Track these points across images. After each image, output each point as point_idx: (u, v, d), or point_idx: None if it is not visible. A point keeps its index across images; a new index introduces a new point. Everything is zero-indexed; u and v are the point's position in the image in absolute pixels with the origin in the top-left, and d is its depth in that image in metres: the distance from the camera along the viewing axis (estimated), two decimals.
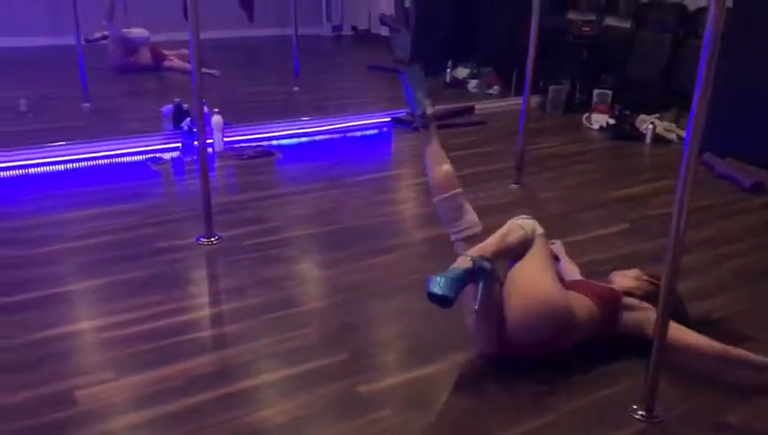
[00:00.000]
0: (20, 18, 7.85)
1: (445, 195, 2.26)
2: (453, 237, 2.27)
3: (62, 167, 4.03)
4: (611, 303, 2.27)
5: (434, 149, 2.32)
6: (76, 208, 3.47)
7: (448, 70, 6.70)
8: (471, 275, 2.02)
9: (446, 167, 2.30)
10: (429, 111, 2.33)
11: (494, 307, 2.11)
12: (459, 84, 6.62)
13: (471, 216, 2.27)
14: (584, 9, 6.26)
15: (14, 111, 5.16)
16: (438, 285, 1.96)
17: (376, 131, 5.07)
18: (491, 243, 2.15)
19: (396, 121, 5.19)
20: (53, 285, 2.68)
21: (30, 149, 4.07)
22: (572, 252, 3.09)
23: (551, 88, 5.83)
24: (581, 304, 2.20)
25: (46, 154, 4.05)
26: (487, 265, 2.05)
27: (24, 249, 2.99)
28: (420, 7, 7.75)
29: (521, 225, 2.23)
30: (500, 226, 2.25)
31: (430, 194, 2.33)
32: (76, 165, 4.07)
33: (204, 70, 6.46)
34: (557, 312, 2.12)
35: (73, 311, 2.54)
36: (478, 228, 2.25)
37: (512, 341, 2.14)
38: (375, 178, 4.16)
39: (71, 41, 5.57)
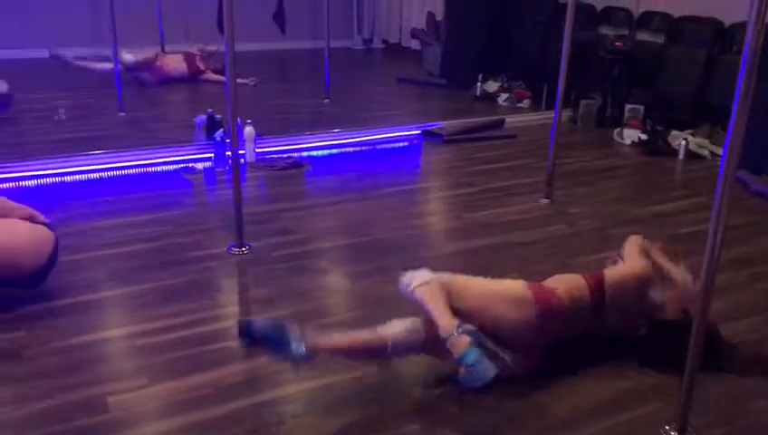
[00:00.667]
0: (62, 28, 8.04)
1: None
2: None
3: (97, 175, 4.11)
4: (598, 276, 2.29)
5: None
6: (111, 216, 3.53)
7: (479, 83, 6.70)
8: (480, 345, 2.00)
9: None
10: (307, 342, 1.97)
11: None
12: (489, 98, 6.61)
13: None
14: (616, 24, 6.23)
15: (53, 119, 5.28)
16: (480, 376, 1.94)
17: (406, 144, 5.08)
18: (440, 313, 2.05)
19: (426, 134, 5.20)
20: (88, 292, 2.73)
21: (66, 157, 4.16)
22: (602, 268, 3.07)
23: (582, 102, 5.80)
24: (566, 281, 2.27)
25: (82, 162, 4.13)
26: (471, 327, 2.04)
27: (60, 256, 3.04)
28: (452, 21, 7.78)
29: (428, 282, 2.14)
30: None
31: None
32: (111, 173, 4.14)
33: (239, 81, 6.58)
34: (513, 292, 2.17)
35: (107, 318, 2.59)
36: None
37: (510, 344, 2.12)
38: (405, 191, 4.17)
39: (107, 51, 5.69)
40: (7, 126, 5.14)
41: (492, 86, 6.74)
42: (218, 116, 4.61)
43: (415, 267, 2.21)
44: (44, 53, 6.74)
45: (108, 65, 5.85)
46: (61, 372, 2.20)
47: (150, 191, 3.97)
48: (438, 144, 5.11)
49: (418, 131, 5.24)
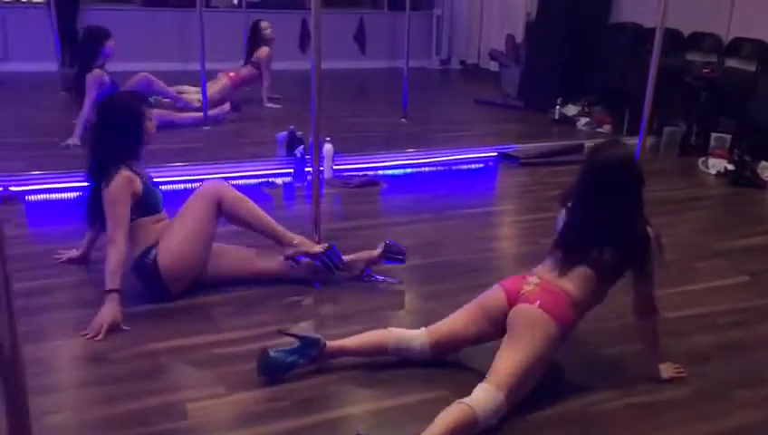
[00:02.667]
0: (150, 44, 8.43)
1: None
2: None
3: (181, 186, 4.26)
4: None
5: None
6: None
7: (557, 107, 6.62)
8: None
9: None
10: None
11: None
12: (568, 122, 6.52)
13: None
14: (705, 50, 6.06)
15: None
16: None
17: (481, 165, 5.07)
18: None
19: (502, 156, 5.17)
20: (165, 300, 2.82)
21: (152, 168, 4.31)
22: (685, 302, 2.98)
23: (665, 129, 5.65)
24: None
25: (168, 174, 4.28)
26: None
27: None
28: (531, 43, 7.74)
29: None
30: None
31: None
32: (194, 185, 4.28)
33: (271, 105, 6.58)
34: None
35: (188, 325, 2.66)
36: None
37: None
38: (479, 213, 4.15)
39: (195, 66, 5.92)
40: None
41: (571, 110, 6.65)
42: (299, 133, 4.72)
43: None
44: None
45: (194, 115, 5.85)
46: (143, 377, 2.28)
47: None
48: (515, 167, 5.07)
49: (495, 153, 5.22)
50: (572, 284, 2.23)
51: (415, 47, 6.86)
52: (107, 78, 5.02)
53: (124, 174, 2.74)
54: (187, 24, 8.06)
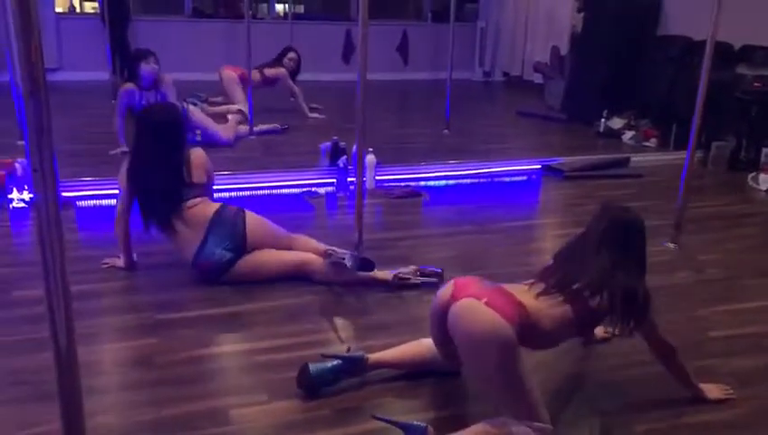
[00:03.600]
0: (198, 54, 8.60)
1: None
2: None
3: (226, 195, 4.31)
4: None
5: None
6: None
7: (602, 120, 6.54)
8: None
9: None
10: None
11: None
12: (613, 135, 6.44)
13: None
14: (756, 63, 5.91)
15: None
16: None
17: (524, 178, 5.03)
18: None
19: (546, 169, 5.12)
20: (216, 306, 2.87)
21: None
22: (735, 321, 2.91)
23: (713, 144, 5.54)
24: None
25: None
26: None
27: (185, 271, 3.22)
28: (576, 55, 7.67)
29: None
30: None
31: None
32: (238, 193, 4.35)
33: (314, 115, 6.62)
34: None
35: (232, 331, 2.71)
36: None
37: None
38: (522, 226, 4.12)
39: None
40: None
41: (616, 123, 6.56)
42: (342, 143, 4.76)
43: None
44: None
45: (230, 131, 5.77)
46: (188, 381, 2.31)
47: (276, 213, 4.11)
48: (559, 180, 5.02)
49: (538, 166, 5.18)
50: (540, 304, 2.06)
51: (458, 59, 6.87)
52: (137, 91, 5.10)
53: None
54: (235, 35, 8.21)
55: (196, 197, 3.10)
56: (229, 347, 2.59)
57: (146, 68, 5.07)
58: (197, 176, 3.13)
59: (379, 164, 4.64)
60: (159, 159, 3.07)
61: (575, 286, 2.09)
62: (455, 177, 4.95)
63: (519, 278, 3.25)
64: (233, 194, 4.31)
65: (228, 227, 3.05)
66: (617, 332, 2.15)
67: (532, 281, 2.18)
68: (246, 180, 4.44)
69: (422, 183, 4.79)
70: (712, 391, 2.30)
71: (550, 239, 4.05)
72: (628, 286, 2.09)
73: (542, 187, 4.92)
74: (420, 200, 4.51)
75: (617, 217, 2.22)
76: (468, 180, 4.92)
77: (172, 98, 5.17)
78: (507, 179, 5.00)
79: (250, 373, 2.39)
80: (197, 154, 3.19)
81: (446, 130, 6.35)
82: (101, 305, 2.86)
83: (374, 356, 2.32)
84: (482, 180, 4.93)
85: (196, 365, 2.42)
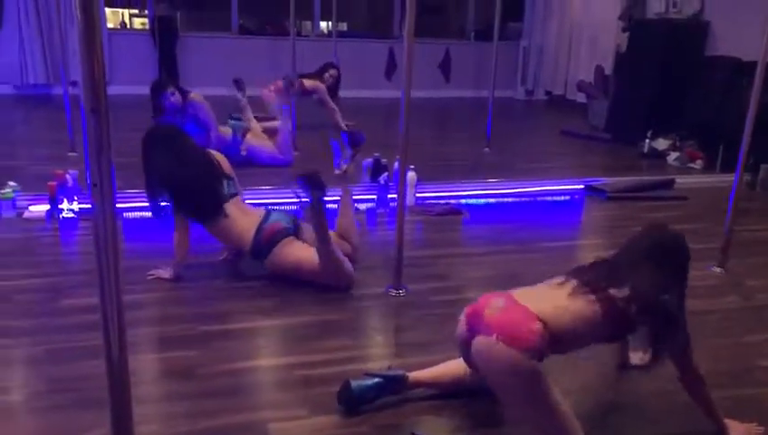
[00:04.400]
0: (244, 71, 8.76)
1: None
2: None
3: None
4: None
5: None
6: None
7: (647, 140, 6.45)
8: None
9: None
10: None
11: None
12: (658, 156, 6.35)
13: None
14: None
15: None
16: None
17: (567, 198, 4.98)
18: None
19: (589, 189, 5.07)
20: (256, 319, 2.90)
21: (255, 190, 4.49)
22: None
23: (762, 166, 5.41)
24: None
25: (253, 196, 4.39)
26: None
27: (225, 283, 3.28)
28: (621, 75, 7.60)
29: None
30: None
31: None
32: (281, 208, 4.37)
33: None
34: None
35: (271, 345, 2.73)
36: None
37: None
38: (564, 247, 4.08)
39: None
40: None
41: (661, 144, 6.47)
42: (384, 160, 4.78)
43: None
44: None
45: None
46: (227, 394, 2.33)
47: None
48: (602, 201, 4.96)
49: (581, 186, 5.13)
50: (567, 302, 1.98)
51: (500, 77, 6.86)
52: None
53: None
54: (280, 52, 8.33)
55: (237, 190, 3.36)
56: (269, 361, 2.61)
57: (169, 100, 5.18)
58: (227, 169, 3.39)
59: (419, 181, 4.64)
60: (185, 160, 3.27)
61: (612, 290, 2.00)
62: (495, 195, 4.92)
63: None
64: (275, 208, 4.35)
65: (286, 212, 3.43)
66: (650, 356, 2.10)
67: (562, 279, 2.09)
68: (286, 195, 4.47)
69: (462, 201, 4.77)
70: (737, 428, 2.19)
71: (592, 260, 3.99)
72: (671, 310, 2.05)
73: (585, 207, 4.86)
74: (460, 218, 4.50)
75: (664, 234, 2.19)
76: (509, 199, 4.89)
77: (206, 116, 5.26)
78: (549, 199, 4.95)
79: (290, 388, 2.40)
80: (216, 153, 3.48)
81: (486, 149, 6.33)
82: (146, 315, 2.91)
83: (413, 375, 2.32)
84: (523, 199, 4.89)
85: (237, 378, 2.44)
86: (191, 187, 3.24)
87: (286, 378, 2.47)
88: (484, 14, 10.58)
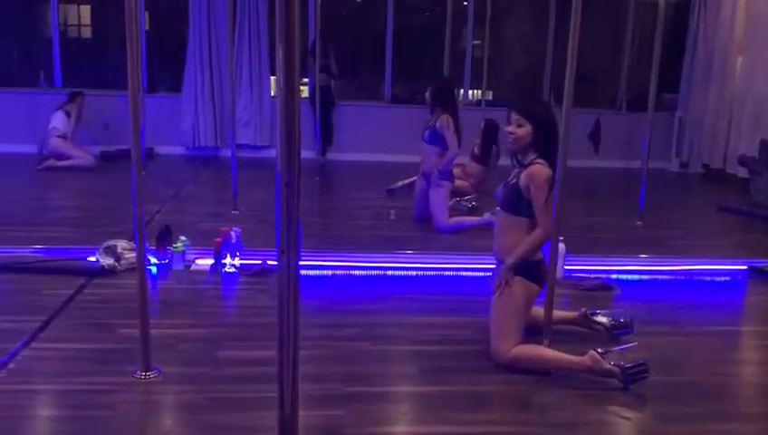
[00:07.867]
0: (395, 138, 9.10)
1: None
2: None
3: (413, 273, 4.46)
4: None
5: None
6: (417, 314, 3.77)
7: None
8: None
9: None
10: None
11: None
12: None
13: None
14: None
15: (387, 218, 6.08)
16: None
17: (727, 278, 4.68)
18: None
19: (753, 271, 4.73)
20: (399, 383, 2.93)
21: (387, 254, 4.66)
22: None
23: None
24: None
25: (397, 260, 4.59)
26: None
27: (372, 345, 3.33)
28: None
29: None
30: None
31: None
32: (421, 273, 4.48)
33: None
34: None
35: (414, 411, 2.74)
36: None
37: None
38: (724, 332, 3.81)
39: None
40: (346, 220, 5.98)
41: None
42: None
43: None
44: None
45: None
46: None
47: (453, 294, 4.18)
48: None
49: (744, 267, 4.79)
50: None
51: (653, 148, 6.63)
52: None
53: None
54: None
55: None
56: (412, 428, 2.62)
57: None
58: None
59: (568, 253, 4.54)
60: None
61: None
62: (649, 271, 4.71)
63: (719, 389, 3.03)
64: (418, 273, 4.44)
65: None
66: None
67: None
68: (415, 260, 4.59)
69: (614, 276, 4.61)
70: None
71: (756, 349, 3.71)
72: None
73: (748, 290, 4.53)
74: (611, 294, 4.33)
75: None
76: (664, 277, 4.66)
77: None
78: (707, 279, 4.66)
79: None
80: None
81: (639, 222, 6.10)
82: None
83: None
84: (678, 277, 4.65)
85: None
86: None
87: None
88: (637, 84, 10.33)
